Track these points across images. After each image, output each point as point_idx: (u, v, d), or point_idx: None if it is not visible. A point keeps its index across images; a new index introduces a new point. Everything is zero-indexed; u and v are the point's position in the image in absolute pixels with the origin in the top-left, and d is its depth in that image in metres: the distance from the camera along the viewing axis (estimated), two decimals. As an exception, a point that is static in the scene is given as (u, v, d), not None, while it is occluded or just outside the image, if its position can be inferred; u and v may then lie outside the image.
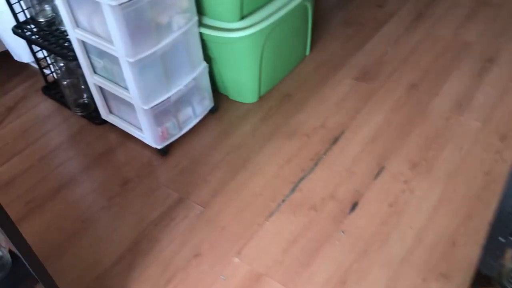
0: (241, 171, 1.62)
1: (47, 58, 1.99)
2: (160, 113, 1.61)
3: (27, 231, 1.50)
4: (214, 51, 1.75)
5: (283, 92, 1.91)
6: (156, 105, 1.58)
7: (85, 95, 1.88)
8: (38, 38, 1.79)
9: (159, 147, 1.68)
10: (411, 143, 1.64)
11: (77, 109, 1.87)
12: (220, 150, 1.70)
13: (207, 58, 1.74)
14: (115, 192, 1.60)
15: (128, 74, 1.49)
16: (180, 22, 1.52)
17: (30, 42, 1.84)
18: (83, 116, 1.88)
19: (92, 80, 1.68)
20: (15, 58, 2.10)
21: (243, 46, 1.69)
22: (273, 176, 1.59)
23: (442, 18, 2.20)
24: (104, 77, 1.65)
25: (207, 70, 1.72)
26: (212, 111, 1.84)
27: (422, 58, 1.99)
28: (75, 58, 1.65)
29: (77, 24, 1.55)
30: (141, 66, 1.47)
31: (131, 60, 1.43)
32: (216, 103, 1.85)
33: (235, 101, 1.89)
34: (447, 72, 1.91)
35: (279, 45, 1.83)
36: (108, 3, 1.31)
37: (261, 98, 1.89)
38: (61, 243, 1.47)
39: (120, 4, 1.31)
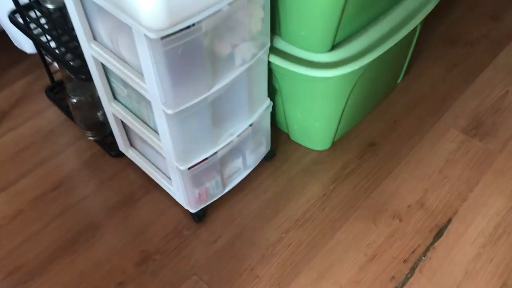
0: (305, 266, 1.16)
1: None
2: (201, 173, 1.14)
3: None
4: (281, 84, 1.25)
5: (365, 139, 1.41)
6: (197, 164, 1.10)
7: (99, 113, 1.40)
8: (43, 33, 1.30)
9: (193, 211, 1.22)
10: (549, 252, 1.16)
11: (89, 132, 1.40)
12: (276, 223, 1.24)
13: (270, 89, 1.24)
14: (129, 275, 1.15)
15: (163, 126, 1.00)
16: (246, 54, 1.02)
17: (32, 39, 1.35)
18: (95, 141, 1.42)
19: (110, 108, 1.20)
20: (15, 44, 1.61)
21: (328, 87, 1.19)
22: (352, 283, 1.13)
23: None
24: (128, 108, 1.17)
25: (270, 109, 1.23)
26: (267, 158, 1.36)
27: (556, 110, 1.47)
28: (90, 78, 1.17)
29: (94, 36, 1.05)
30: (182, 117, 0.99)
31: (170, 112, 0.95)
32: (273, 146, 1.36)
33: (299, 144, 1.41)
34: None
35: (373, 79, 1.32)
36: (145, 33, 0.81)
37: (334, 144, 1.40)
38: None
39: (163, 38, 0.81)
